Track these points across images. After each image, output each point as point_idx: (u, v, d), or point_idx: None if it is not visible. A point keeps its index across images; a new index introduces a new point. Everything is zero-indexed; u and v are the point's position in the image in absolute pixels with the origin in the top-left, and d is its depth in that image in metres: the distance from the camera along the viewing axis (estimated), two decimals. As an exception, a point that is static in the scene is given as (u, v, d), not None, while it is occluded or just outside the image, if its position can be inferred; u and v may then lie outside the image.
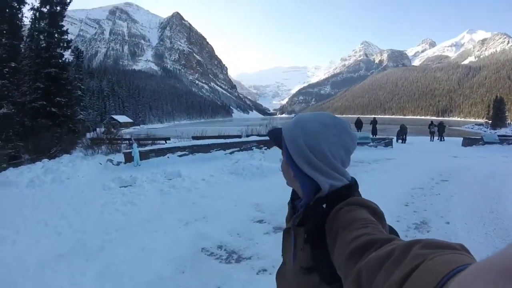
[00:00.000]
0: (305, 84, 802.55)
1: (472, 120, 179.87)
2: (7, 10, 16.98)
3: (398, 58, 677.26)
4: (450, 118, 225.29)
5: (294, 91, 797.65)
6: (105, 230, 5.65)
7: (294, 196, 1.09)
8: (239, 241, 5.11)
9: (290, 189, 1.09)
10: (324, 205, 0.87)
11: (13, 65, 16.85)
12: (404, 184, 8.90)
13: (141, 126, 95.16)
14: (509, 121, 79.92)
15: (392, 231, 0.97)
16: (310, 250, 0.86)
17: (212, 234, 5.36)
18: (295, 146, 0.93)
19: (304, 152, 0.92)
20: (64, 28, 21.07)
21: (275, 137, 1.06)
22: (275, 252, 4.36)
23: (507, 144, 20.60)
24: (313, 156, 0.91)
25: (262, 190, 8.51)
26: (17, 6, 17.94)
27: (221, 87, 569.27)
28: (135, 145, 13.49)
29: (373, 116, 29.45)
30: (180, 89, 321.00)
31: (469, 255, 0.45)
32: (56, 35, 20.30)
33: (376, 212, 0.82)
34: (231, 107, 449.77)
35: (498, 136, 22.95)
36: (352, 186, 0.94)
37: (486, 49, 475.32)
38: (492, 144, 20.49)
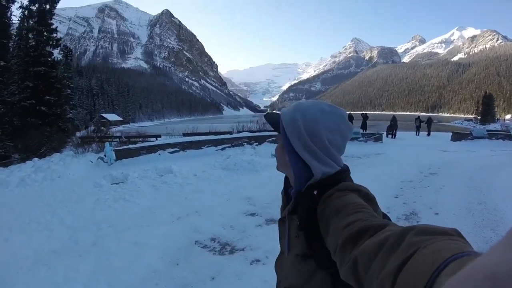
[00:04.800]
0: (296, 81, 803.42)
1: (462, 116, 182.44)
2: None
3: (388, 55, 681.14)
4: (440, 114, 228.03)
5: (284, 87, 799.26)
6: (98, 226, 5.64)
7: (288, 185, 1.09)
8: (232, 233, 5.15)
9: (281, 181, 1.12)
10: (315, 192, 0.89)
11: (2, 64, 16.72)
12: (394, 177, 8.98)
13: (131, 124, 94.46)
14: (498, 117, 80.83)
15: (385, 216, 1.00)
16: (304, 237, 0.87)
17: (205, 227, 5.39)
18: (294, 129, 0.94)
19: (302, 136, 0.92)
20: (53, 27, 20.94)
21: (273, 120, 1.04)
22: (267, 244, 4.47)
23: (495, 139, 20.85)
24: (310, 140, 0.92)
25: (254, 184, 8.57)
26: (6, 5, 17.79)
27: (211, 84, 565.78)
28: (107, 144, 13.46)
29: (363, 112, 29.57)
30: (170, 87, 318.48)
31: (462, 240, 0.46)
32: (45, 34, 20.13)
33: (367, 196, 0.84)
34: (221, 104, 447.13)
35: (487, 131, 23.26)
36: (344, 172, 0.95)
37: (475, 46, 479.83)
38: (481, 138, 20.68)
